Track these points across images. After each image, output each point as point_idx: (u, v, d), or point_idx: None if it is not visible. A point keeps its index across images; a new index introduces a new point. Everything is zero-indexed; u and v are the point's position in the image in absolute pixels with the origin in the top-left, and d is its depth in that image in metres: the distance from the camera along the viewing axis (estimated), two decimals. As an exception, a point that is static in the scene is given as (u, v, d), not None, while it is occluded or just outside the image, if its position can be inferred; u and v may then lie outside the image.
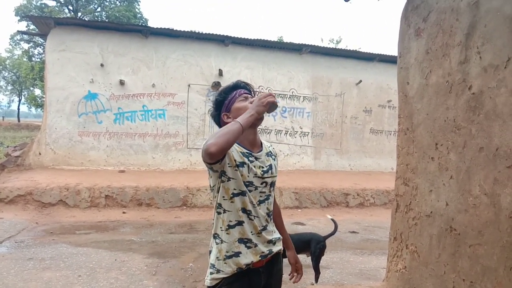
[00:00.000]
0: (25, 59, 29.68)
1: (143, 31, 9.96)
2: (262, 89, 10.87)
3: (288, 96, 11.35)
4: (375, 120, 12.37)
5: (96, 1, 28.59)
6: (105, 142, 9.81)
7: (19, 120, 41.80)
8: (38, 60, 26.82)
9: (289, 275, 2.02)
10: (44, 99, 11.80)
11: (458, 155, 2.18)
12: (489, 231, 1.92)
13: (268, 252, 1.75)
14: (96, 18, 27.16)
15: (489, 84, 1.95)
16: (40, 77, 24.13)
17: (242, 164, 1.67)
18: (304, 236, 4.09)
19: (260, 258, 1.72)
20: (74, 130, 9.59)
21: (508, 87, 1.83)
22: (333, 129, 11.89)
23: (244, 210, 1.68)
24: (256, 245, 1.71)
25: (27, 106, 41.25)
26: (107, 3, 28.86)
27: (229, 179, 1.65)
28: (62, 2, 27.65)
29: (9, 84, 41.40)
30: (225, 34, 10.39)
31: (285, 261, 2.02)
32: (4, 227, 5.85)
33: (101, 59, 9.71)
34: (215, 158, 1.51)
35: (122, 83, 9.82)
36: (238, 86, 1.84)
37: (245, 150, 1.71)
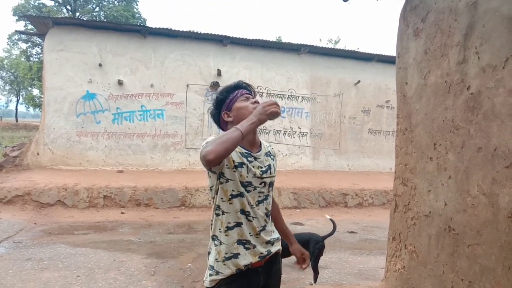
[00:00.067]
0: (23, 59, 29.59)
1: (142, 31, 9.95)
2: (260, 89, 10.88)
3: (287, 96, 11.36)
4: (374, 120, 12.38)
5: (94, 1, 28.55)
6: (104, 142, 9.80)
7: (17, 120, 41.69)
8: (36, 60, 26.76)
9: (296, 263, 2.01)
10: (42, 99, 11.79)
11: (456, 155, 2.19)
12: (488, 231, 1.93)
13: (266, 253, 1.76)
14: (94, 18, 27.14)
15: (488, 84, 1.96)
16: (38, 77, 24.08)
17: (241, 164, 1.67)
18: (303, 236, 4.08)
19: (259, 259, 1.72)
20: (72, 130, 9.57)
21: (507, 87, 1.84)
22: (331, 129, 11.90)
23: (243, 211, 1.68)
24: (254, 246, 1.71)
25: (25, 106, 41.14)
26: (105, 3, 28.83)
27: (227, 180, 1.65)
28: (60, 1, 27.60)
29: (7, 84, 41.29)
30: (224, 34, 10.39)
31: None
32: (2, 228, 5.83)
33: (100, 59, 9.70)
34: (212, 165, 1.53)
35: (120, 83, 9.81)
36: (240, 86, 1.84)
37: (244, 150, 1.71)
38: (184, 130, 10.38)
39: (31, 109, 40.39)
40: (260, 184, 1.73)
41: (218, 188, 1.68)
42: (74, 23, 10.14)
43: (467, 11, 2.12)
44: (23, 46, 29.07)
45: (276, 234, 1.87)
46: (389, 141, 12.25)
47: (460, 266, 2.11)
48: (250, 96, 1.82)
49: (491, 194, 1.91)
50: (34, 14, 21.16)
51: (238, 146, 1.70)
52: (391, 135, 12.18)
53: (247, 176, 1.68)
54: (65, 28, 9.54)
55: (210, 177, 1.70)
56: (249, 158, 1.70)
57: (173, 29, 10.04)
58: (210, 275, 1.70)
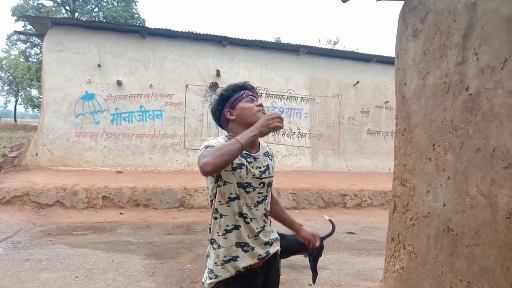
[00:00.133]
0: (21, 60, 29.57)
1: (141, 32, 9.95)
2: (259, 89, 10.88)
3: (286, 97, 11.36)
4: (373, 121, 12.39)
5: (93, 2, 28.53)
6: (102, 142, 9.78)
7: (15, 121, 41.63)
8: (35, 60, 26.73)
9: (308, 243, 1.98)
10: (41, 100, 11.78)
11: (455, 156, 2.19)
12: (486, 231, 1.93)
13: (265, 254, 1.76)
14: (93, 19, 27.11)
15: (486, 85, 1.96)
16: (37, 77, 24.07)
17: (240, 166, 1.67)
18: (302, 237, 4.07)
19: (257, 261, 1.72)
20: (71, 130, 9.56)
21: (505, 88, 1.84)
22: (330, 130, 11.91)
23: (241, 214, 1.68)
24: (253, 249, 1.71)
25: (24, 106, 41.09)
26: (104, 4, 28.82)
27: (225, 183, 1.65)
28: (59, 2, 27.58)
29: (6, 85, 41.24)
30: (223, 35, 10.39)
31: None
32: (0, 228, 5.82)
33: (99, 60, 9.69)
34: (209, 175, 1.54)
35: (119, 83, 9.80)
36: (246, 87, 1.84)
37: (243, 151, 1.71)
38: (183, 130, 10.38)
39: (29, 109, 40.34)
40: (259, 184, 1.73)
41: (216, 192, 1.68)
42: (73, 23, 10.14)
43: (466, 12, 2.12)
44: (22, 46, 29.08)
45: (274, 235, 1.87)
46: (388, 142, 12.26)
47: (459, 266, 2.11)
48: (255, 98, 1.82)
49: (489, 195, 1.91)
50: (33, 15, 21.14)
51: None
52: (390, 136, 12.19)
53: (246, 177, 1.68)
54: (64, 28, 9.54)
55: (208, 180, 1.71)
56: (248, 159, 1.70)
57: (172, 29, 10.04)
58: (210, 278, 1.70)
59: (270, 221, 1.86)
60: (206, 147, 1.61)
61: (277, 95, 11.20)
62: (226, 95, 1.81)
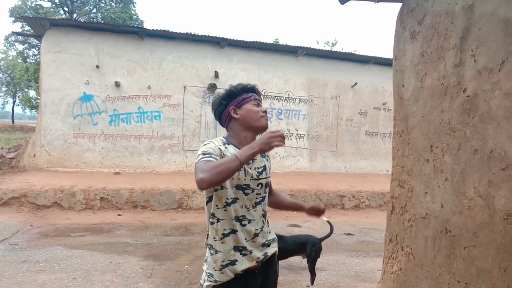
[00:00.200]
0: (19, 61, 29.48)
1: (139, 33, 9.94)
2: (258, 91, 10.86)
3: (284, 98, 11.37)
4: (371, 122, 12.41)
5: (91, 3, 28.50)
6: (100, 144, 9.77)
7: (13, 122, 41.47)
8: (33, 61, 26.66)
9: (313, 207, 1.99)
10: (38, 101, 11.74)
11: (453, 157, 2.19)
12: (484, 233, 1.93)
13: (263, 257, 1.76)
14: (91, 20, 27.06)
15: (484, 87, 1.97)
16: (35, 78, 24.00)
17: None
18: (300, 238, 4.08)
19: (256, 264, 1.73)
20: (69, 131, 9.54)
21: (502, 90, 1.85)
22: (328, 131, 11.92)
23: (237, 218, 1.68)
24: (251, 252, 1.71)
25: (22, 107, 40.95)
26: (102, 5, 28.78)
27: (222, 187, 1.65)
28: (57, 3, 27.53)
29: (4, 86, 41.11)
30: (221, 36, 10.39)
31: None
32: (-2, 230, 5.80)
33: (97, 61, 9.68)
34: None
35: (117, 84, 9.79)
36: (255, 91, 1.83)
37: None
38: (181, 132, 10.37)
39: (27, 110, 40.22)
40: (257, 185, 1.73)
41: (212, 195, 1.67)
42: (71, 24, 10.12)
43: (463, 14, 2.13)
44: (20, 47, 28.97)
45: (272, 235, 1.87)
46: (386, 143, 12.28)
47: (456, 268, 2.12)
48: (261, 104, 1.82)
49: (487, 196, 1.92)
50: (31, 16, 21.12)
51: (236, 148, 1.70)
52: (388, 137, 12.21)
53: (244, 179, 1.68)
54: (62, 29, 9.52)
55: None
56: (247, 160, 1.70)
57: (170, 31, 10.04)
58: (209, 281, 1.69)
59: (268, 222, 1.86)
60: (204, 154, 1.58)
61: (275, 96, 11.20)
62: (235, 92, 1.78)
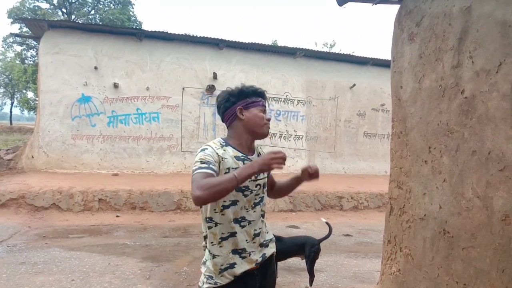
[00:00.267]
0: (17, 62, 29.43)
1: (137, 34, 9.94)
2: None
3: (282, 99, 11.38)
4: (369, 123, 12.43)
5: (89, 4, 28.49)
6: (99, 145, 9.75)
7: (11, 123, 41.31)
8: (31, 62, 26.62)
9: (308, 177, 1.90)
10: (37, 102, 11.73)
11: (451, 159, 2.20)
12: (482, 233, 1.94)
13: (262, 259, 1.77)
14: (90, 21, 27.04)
15: (481, 88, 1.97)
16: (33, 79, 23.95)
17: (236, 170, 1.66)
18: (299, 239, 4.08)
19: (254, 266, 1.73)
20: (67, 133, 9.52)
21: (500, 91, 1.86)
22: (327, 133, 11.93)
23: (236, 220, 1.68)
24: (250, 254, 1.71)
25: (20, 109, 40.83)
26: (101, 6, 28.76)
27: None
28: (56, 4, 27.50)
29: (2, 87, 41.02)
30: (220, 38, 10.39)
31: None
32: (-5, 231, 5.79)
33: (95, 62, 9.67)
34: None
35: (116, 86, 9.78)
36: (264, 97, 1.82)
37: (240, 154, 1.71)
38: (179, 133, 10.36)
39: (25, 112, 40.12)
40: (256, 186, 1.74)
41: None
42: (70, 26, 10.11)
43: (461, 16, 2.14)
44: (18, 48, 28.93)
45: (270, 236, 1.89)
46: (384, 145, 12.30)
47: (455, 269, 2.12)
48: (266, 111, 1.81)
49: (485, 197, 1.93)
50: (29, 17, 21.08)
51: (235, 150, 1.70)
52: (386, 139, 12.23)
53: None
54: (60, 31, 9.52)
55: None
56: (245, 162, 1.70)
57: (169, 32, 10.05)
58: (209, 283, 1.69)
59: (265, 223, 1.87)
60: (202, 162, 1.56)
61: (274, 97, 11.21)
62: (245, 92, 1.75)
